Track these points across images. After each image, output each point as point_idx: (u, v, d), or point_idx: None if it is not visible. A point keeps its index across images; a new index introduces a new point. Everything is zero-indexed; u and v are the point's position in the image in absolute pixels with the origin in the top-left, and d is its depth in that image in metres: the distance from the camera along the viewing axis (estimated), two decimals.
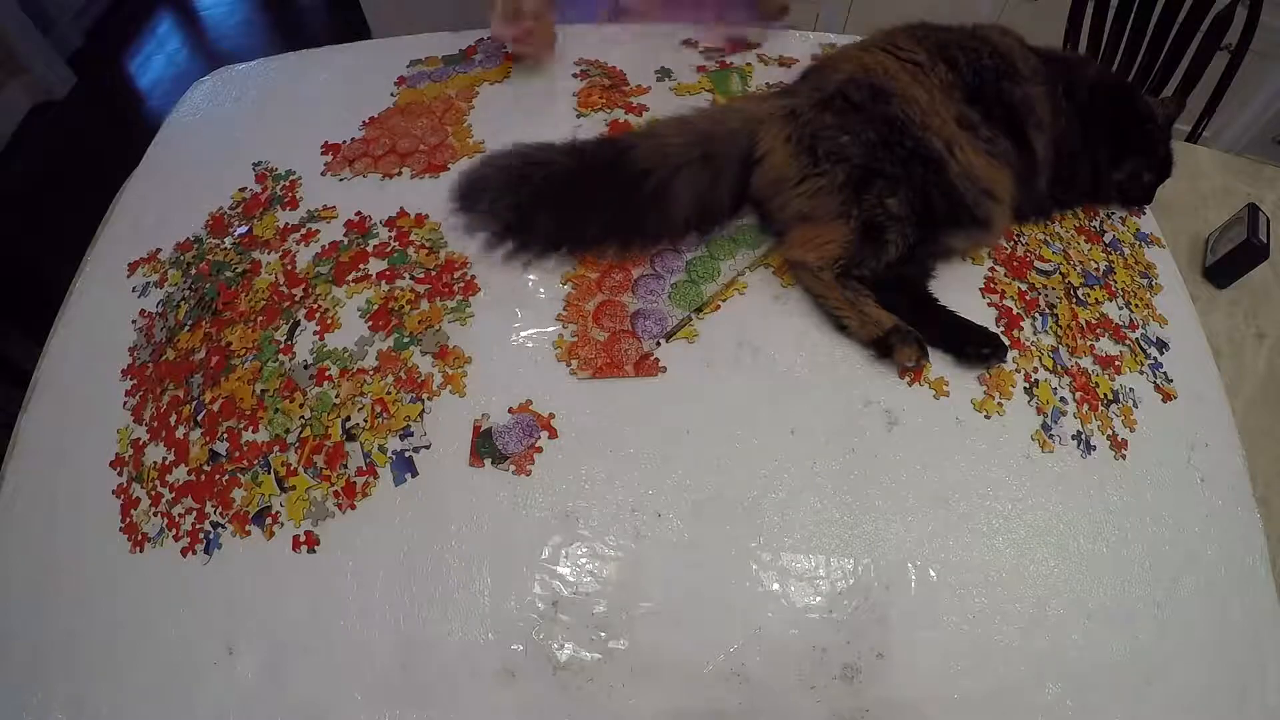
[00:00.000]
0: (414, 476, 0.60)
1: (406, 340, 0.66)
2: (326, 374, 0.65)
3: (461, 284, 0.70)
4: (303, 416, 0.63)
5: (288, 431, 0.63)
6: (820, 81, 0.73)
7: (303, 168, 0.83)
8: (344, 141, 0.85)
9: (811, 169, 0.67)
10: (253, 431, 0.64)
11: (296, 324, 0.69)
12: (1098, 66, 0.84)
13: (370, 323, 0.68)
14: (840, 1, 1.87)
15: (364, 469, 0.60)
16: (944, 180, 0.67)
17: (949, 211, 0.67)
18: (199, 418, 0.65)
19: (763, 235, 0.73)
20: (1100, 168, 0.77)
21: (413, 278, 0.71)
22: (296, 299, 0.71)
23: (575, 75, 0.90)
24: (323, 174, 0.82)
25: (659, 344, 0.66)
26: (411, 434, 0.62)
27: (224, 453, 0.63)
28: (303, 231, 0.76)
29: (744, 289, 0.69)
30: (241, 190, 0.82)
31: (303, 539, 0.58)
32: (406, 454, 0.61)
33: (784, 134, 0.69)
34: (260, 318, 0.70)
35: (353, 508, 0.59)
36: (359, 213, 0.77)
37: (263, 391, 0.65)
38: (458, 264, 0.71)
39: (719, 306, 0.68)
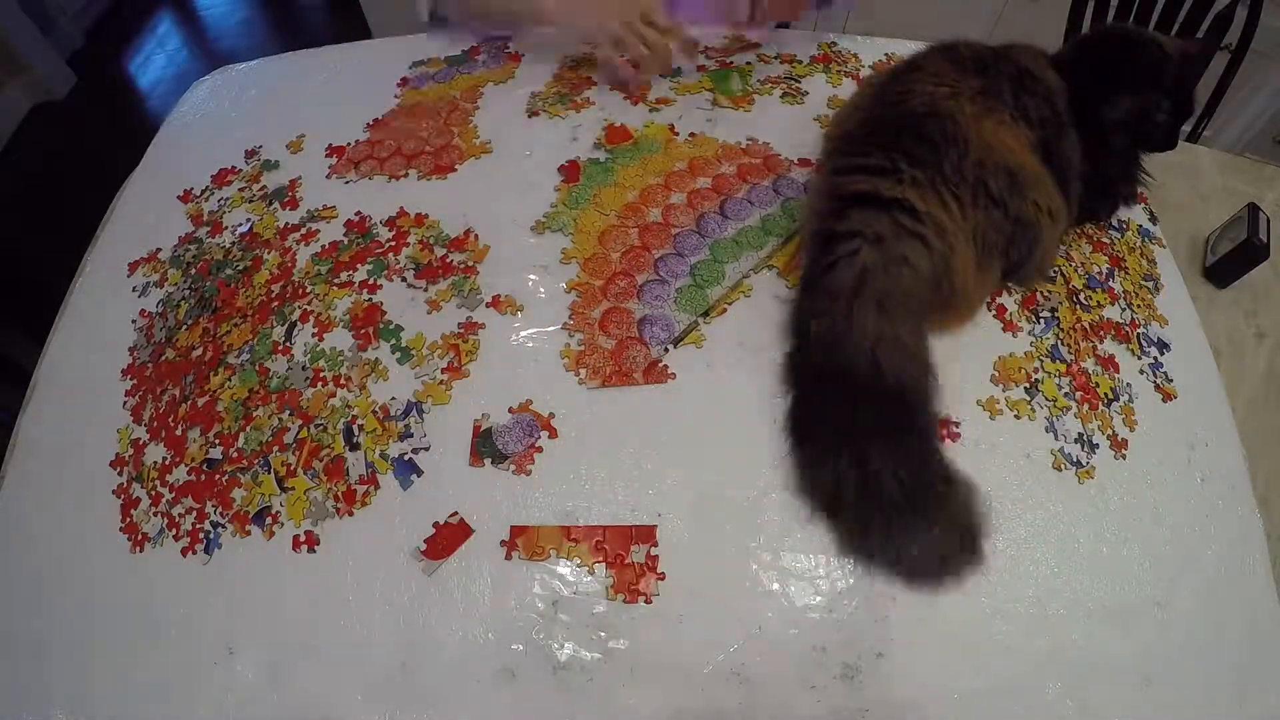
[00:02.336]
0: (419, 476, 0.60)
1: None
2: (321, 375, 0.65)
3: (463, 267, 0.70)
4: (273, 426, 0.63)
5: (264, 442, 0.63)
6: (951, 161, 0.62)
7: (303, 168, 0.83)
8: (348, 144, 0.85)
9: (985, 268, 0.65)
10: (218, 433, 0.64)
11: (293, 325, 0.69)
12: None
13: (352, 333, 0.68)
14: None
15: (365, 478, 0.60)
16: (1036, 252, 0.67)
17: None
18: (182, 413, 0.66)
19: (765, 236, 0.73)
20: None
21: (403, 281, 0.71)
22: (291, 297, 0.71)
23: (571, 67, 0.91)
24: (328, 177, 0.82)
25: (667, 350, 0.66)
26: (411, 435, 0.62)
27: (221, 456, 0.63)
28: (303, 231, 0.76)
29: (749, 291, 0.69)
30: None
31: (303, 539, 0.58)
32: (406, 457, 0.61)
33: (972, 258, 0.64)
34: (256, 315, 0.70)
35: (350, 514, 0.59)
36: (359, 212, 0.77)
37: (233, 400, 0.65)
38: (456, 265, 0.71)
39: (724, 310, 0.68)
